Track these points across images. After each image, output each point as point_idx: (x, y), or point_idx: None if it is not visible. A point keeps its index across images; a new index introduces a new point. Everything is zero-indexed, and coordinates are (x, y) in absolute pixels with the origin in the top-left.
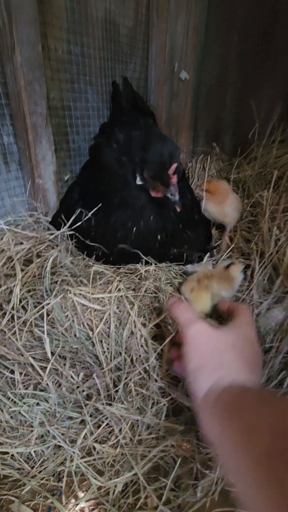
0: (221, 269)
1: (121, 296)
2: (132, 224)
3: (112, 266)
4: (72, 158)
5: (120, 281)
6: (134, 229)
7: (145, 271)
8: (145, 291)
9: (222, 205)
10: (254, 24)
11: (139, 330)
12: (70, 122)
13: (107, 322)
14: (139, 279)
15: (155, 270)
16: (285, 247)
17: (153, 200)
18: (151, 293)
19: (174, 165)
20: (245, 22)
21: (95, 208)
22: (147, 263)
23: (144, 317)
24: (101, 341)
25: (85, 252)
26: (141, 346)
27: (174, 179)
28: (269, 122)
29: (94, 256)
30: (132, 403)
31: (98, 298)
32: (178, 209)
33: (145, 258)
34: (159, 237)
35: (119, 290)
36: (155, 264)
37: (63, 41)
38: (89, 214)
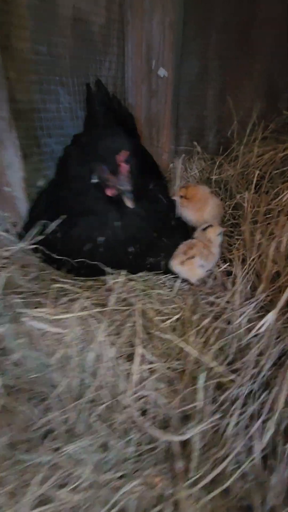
0: (201, 234)
1: (87, 314)
2: (98, 233)
3: (84, 279)
4: (45, 163)
5: (88, 297)
6: (101, 240)
7: (114, 283)
8: (116, 306)
9: (200, 213)
10: (232, 21)
11: (107, 351)
12: (40, 125)
13: (69, 346)
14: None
15: (127, 282)
16: (267, 252)
17: (112, 201)
18: (123, 307)
19: (124, 153)
20: (223, 18)
21: (58, 219)
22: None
23: (117, 335)
24: (62, 368)
25: (55, 266)
26: (110, 369)
27: (124, 168)
28: (250, 119)
29: (65, 269)
30: (97, 438)
31: (58, 320)
32: (130, 205)
33: (112, 272)
34: (131, 249)
35: (85, 308)
36: (126, 275)
37: (28, 41)
38: (53, 225)
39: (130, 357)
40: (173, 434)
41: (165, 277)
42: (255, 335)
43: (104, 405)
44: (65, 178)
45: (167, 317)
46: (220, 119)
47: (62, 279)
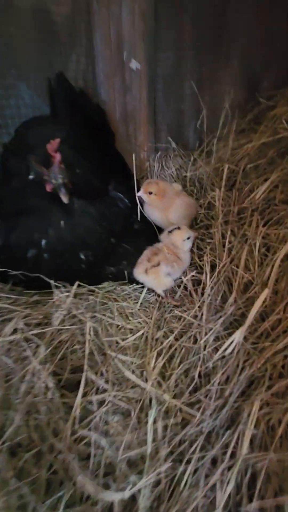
0: (167, 237)
1: (20, 337)
2: (40, 235)
3: (32, 293)
4: None
5: (26, 316)
6: (44, 243)
7: (59, 298)
8: (62, 324)
9: (166, 212)
10: (206, 6)
11: (44, 382)
12: None
13: None
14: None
15: (81, 296)
16: (239, 256)
17: (55, 197)
18: (73, 325)
19: (54, 141)
20: (196, 4)
21: None
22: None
23: (62, 360)
24: None
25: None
26: (48, 402)
27: (56, 158)
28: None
29: (12, 281)
30: (15, 497)
31: None
32: (64, 200)
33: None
34: (82, 256)
35: (17, 330)
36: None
37: None
38: None
39: (77, 387)
40: (112, 491)
41: (131, 287)
42: (222, 357)
43: (31, 452)
44: (3, 176)
45: (130, 334)
46: (198, 113)
47: (2, 294)
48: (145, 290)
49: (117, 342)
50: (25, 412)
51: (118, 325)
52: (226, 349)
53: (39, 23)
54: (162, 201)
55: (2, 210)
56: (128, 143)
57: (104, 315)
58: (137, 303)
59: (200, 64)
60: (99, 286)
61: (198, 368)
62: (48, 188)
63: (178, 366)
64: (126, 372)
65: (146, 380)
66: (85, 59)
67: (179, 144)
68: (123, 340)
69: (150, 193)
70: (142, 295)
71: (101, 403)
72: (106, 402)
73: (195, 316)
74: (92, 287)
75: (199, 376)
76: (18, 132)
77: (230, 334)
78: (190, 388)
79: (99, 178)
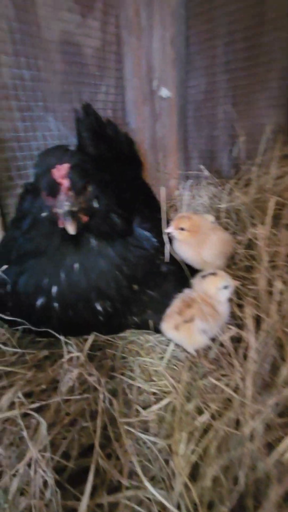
0: (199, 283)
1: (17, 413)
2: (50, 280)
3: (42, 346)
4: None
5: (29, 381)
6: (55, 290)
7: (69, 359)
8: (70, 392)
9: (199, 249)
10: (239, 29)
11: (42, 476)
12: (23, 155)
13: None
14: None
15: (96, 352)
16: None
17: (69, 237)
18: (85, 393)
19: (60, 167)
20: (229, 28)
21: (4, 267)
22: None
23: (63, 439)
24: None
25: (9, 325)
26: (45, 505)
27: (64, 183)
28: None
29: (21, 330)
30: None
31: None
32: (70, 230)
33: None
34: (99, 307)
35: (15, 403)
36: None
37: (7, 67)
38: None
39: (85, 477)
40: None
41: (156, 337)
42: (279, 461)
43: None
44: (17, 217)
45: (153, 399)
46: (233, 139)
47: (7, 347)
48: (172, 344)
49: (137, 411)
50: None
51: (139, 387)
52: (284, 452)
53: (68, 56)
54: (195, 238)
55: (13, 253)
56: (157, 171)
57: (122, 374)
58: (162, 358)
59: (235, 88)
60: (120, 334)
61: (245, 470)
62: (61, 223)
63: (216, 458)
64: (142, 479)
65: (173, 476)
66: (114, 89)
67: (212, 171)
68: (144, 408)
69: (182, 229)
70: (169, 351)
71: (113, 505)
72: (121, 506)
73: (237, 389)
74: (110, 337)
75: (246, 478)
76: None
77: (286, 425)
78: (235, 498)
79: (121, 215)
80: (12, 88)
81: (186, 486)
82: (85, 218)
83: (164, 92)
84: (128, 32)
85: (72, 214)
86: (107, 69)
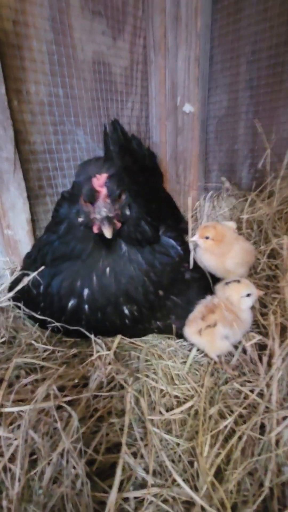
0: (222, 290)
1: (52, 405)
2: (82, 284)
3: (70, 343)
4: None
5: (61, 376)
6: (86, 293)
7: (99, 357)
8: (99, 389)
9: (223, 258)
10: (264, 47)
11: (74, 464)
12: (53, 165)
13: (13, 458)
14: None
15: (120, 351)
16: None
17: (101, 242)
18: (113, 390)
19: (100, 176)
20: (253, 46)
21: (41, 268)
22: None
23: (93, 433)
24: (2, 492)
25: (38, 324)
26: (76, 494)
27: (102, 191)
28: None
29: (50, 329)
30: None
31: (7, 414)
32: (108, 234)
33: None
34: (126, 311)
35: (50, 395)
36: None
37: (45, 85)
38: (31, 277)
39: (112, 472)
40: None
41: (178, 342)
42: None
43: None
44: (54, 222)
45: (176, 402)
46: (253, 152)
47: (38, 343)
48: (195, 349)
49: (160, 413)
50: (46, 508)
51: (162, 390)
52: None
53: (98, 75)
54: (219, 247)
55: (48, 256)
56: (177, 183)
57: (146, 375)
58: (185, 363)
59: (256, 103)
60: (143, 338)
61: (270, 475)
62: (95, 229)
63: (241, 463)
64: (173, 473)
65: (197, 477)
66: (139, 105)
67: (231, 184)
68: (167, 410)
69: (207, 237)
70: (191, 356)
71: (139, 501)
72: (146, 502)
73: (261, 394)
74: (134, 339)
75: (271, 483)
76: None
77: None
78: (258, 502)
79: (150, 223)
80: (48, 104)
81: (210, 487)
82: (118, 225)
83: (187, 108)
84: (154, 52)
85: (109, 220)
86: (133, 86)
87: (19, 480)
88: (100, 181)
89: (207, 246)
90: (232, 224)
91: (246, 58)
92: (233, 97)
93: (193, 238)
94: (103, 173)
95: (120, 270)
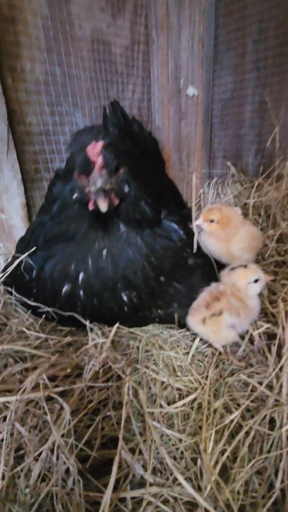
0: (227, 276)
1: (41, 396)
2: (76, 267)
3: (65, 332)
4: None
5: (54, 364)
6: (81, 277)
7: (94, 345)
8: (94, 379)
9: (228, 243)
10: (271, 25)
11: (65, 460)
12: (50, 148)
13: None
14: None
15: (119, 340)
16: None
17: (97, 220)
18: (109, 381)
19: (95, 144)
20: (259, 25)
21: (32, 249)
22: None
23: (87, 427)
24: None
25: (31, 311)
26: (66, 493)
27: (98, 161)
28: None
29: (44, 316)
30: None
31: None
32: (103, 207)
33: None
34: (125, 297)
35: (39, 385)
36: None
37: (40, 63)
38: (20, 258)
39: (107, 469)
40: None
41: (180, 332)
42: None
43: None
44: (47, 202)
45: (177, 395)
46: (260, 137)
47: (31, 331)
48: (198, 338)
49: (161, 406)
50: (33, 507)
51: (163, 382)
52: None
53: (97, 54)
54: (224, 231)
55: (41, 238)
56: (180, 170)
57: (146, 366)
58: (187, 353)
59: (263, 85)
60: (143, 328)
61: (281, 474)
62: (91, 205)
63: (249, 461)
64: (174, 471)
65: (201, 476)
66: (140, 87)
67: (237, 170)
68: (169, 403)
69: (212, 221)
70: (194, 345)
71: (137, 502)
72: (144, 503)
73: (270, 387)
74: (133, 329)
75: (282, 483)
76: (69, 153)
77: None
78: (268, 505)
79: (151, 204)
80: (44, 83)
81: (215, 487)
82: (116, 201)
83: (191, 91)
84: (157, 31)
85: (105, 192)
86: (134, 67)
87: (3, 477)
88: (95, 150)
89: (212, 230)
90: (237, 210)
91: (253, 37)
92: (239, 79)
93: (197, 222)
94: (99, 141)
95: (118, 252)
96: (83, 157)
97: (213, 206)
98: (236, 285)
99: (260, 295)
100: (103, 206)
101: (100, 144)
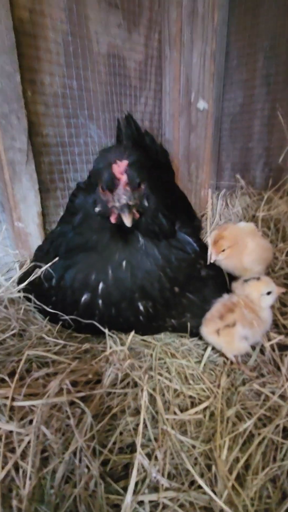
0: (241, 287)
1: (65, 400)
2: (96, 277)
3: (81, 339)
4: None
5: (74, 370)
6: (101, 286)
7: (111, 353)
8: (112, 385)
9: (240, 256)
10: (282, 42)
11: (88, 464)
12: (65, 159)
13: (27, 454)
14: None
15: (134, 348)
16: None
17: (118, 233)
18: (126, 387)
19: (120, 163)
20: (271, 41)
21: (55, 259)
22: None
23: (107, 432)
24: (12, 491)
25: (49, 318)
26: (89, 495)
27: (122, 178)
28: None
29: (61, 323)
30: None
31: (19, 409)
32: (127, 222)
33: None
34: (141, 307)
35: (62, 390)
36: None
37: (59, 76)
38: (43, 269)
39: (124, 473)
40: None
41: (192, 341)
42: None
43: None
44: (69, 213)
45: (190, 403)
46: (268, 151)
47: (50, 338)
48: (209, 348)
49: (174, 413)
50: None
51: (175, 390)
52: None
53: (113, 68)
54: (235, 249)
55: (62, 247)
56: (189, 181)
57: (160, 374)
58: (199, 362)
59: (273, 100)
60: (155, 336)
61: None
62: (113, 219)
63: (262, 468)
64: (194, 475)
65: (215, 482)
66: (153, 101)
67: (245, 183)
68: (181, 411)
69: (223, 250)
70: (206, 355)
71: (154, 506)
72: (161, 507)
73: (283, 396)
74: (146, 337)
75: None
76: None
77: None
78: (283, 511)
79: (168, 217)
80: (62, 96)
81: (232, 492)
82: (137, 215)
83: (201, 104)
84: (170, 47)
85: (129, 208)
86: (147, 81)
87: (30, 478)
88: (120, 168)
89: (227, 255)
90: (248, 225)
91: (264, 53)
92: (248, 94)
93: (212, 259)
94: (124, 160)
95: (137, 263)
96: (109, 174)
97: (215, 234)
98: (249, 297)
99: (272, 306)
100: (128, 222)
101: (125, 162)
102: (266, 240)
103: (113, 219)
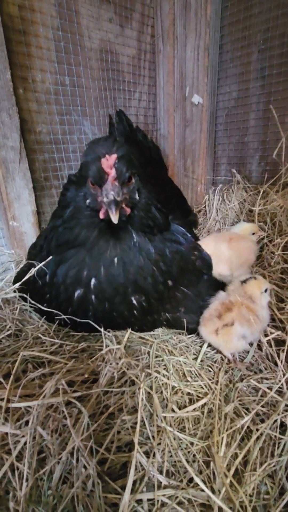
0: (239, 288)
1: (61, 401)
2: (88, 273)
3: (78, 337)
4: None
5: (70, 370)
6: (93, 282)
7: (107, 351)
8: (109, 384)
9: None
10: (276, 35)
11: (85, 463)
12: (60, 156)
13: (21, 457)
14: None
15: (130, 345)
16: None
17: (108, 229)
18: (123, 386)
19: (109, 157)
20: (265, 34)
21: (48, 258)
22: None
23: (104, 431)
24: (9, 493)
25: (45, 317)
26: (86, 495)
27: (111, 173)
28: None
29: (57, 322)
30: None
31: (15, 411)
32: (113, 219)
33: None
34: (134, 301)
35: (58, 390)
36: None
37: (51, 73)
38: (37, 267)
39: (122, 472)
40: None
41: (189, 338)
42: None
43: None
44: (60, 207)
45: (188, 400)
46: (264, 144)
47: (46, 337)
48: (205, 344)
49: (172, 410)
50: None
51: (173, 387)
52: None
53: (105, 63)
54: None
55: (53, 242)
56: (185, 177)
57: (157, 372)
58: (196, 359)
59: (268, 94)
60: (152, 332)
61: None
62: (102, 214)
63: (260, 464)
64: (192, 473)
65: (213, 478)
66: (147, 96)
67: (241, 177)
68: (179, 408)
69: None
70: (202, 351)
71: (153, 504)
72: (159, 505)
73: (280, 392)
74: (143, 334)
75: None
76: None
77: None
78: (281, 507)
79: (160, 209)
80: (54, 93)
81: (229, 489)
82: (128, 210)
83: (196, 99)
84: (163, 41)
85: (116, 204)
86: (141, 76)
87: (27, 479)
88: (109, 162)
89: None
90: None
91: (258, 46)
92: (243, 88)
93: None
94: (113, 153)
95: (129, 260)
96: (97, 168)
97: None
98: (252, 296)
99: (269, 303)
100: (114, 218)
101: (114, 156)
102: (250, 242)
103: (101, 214)
